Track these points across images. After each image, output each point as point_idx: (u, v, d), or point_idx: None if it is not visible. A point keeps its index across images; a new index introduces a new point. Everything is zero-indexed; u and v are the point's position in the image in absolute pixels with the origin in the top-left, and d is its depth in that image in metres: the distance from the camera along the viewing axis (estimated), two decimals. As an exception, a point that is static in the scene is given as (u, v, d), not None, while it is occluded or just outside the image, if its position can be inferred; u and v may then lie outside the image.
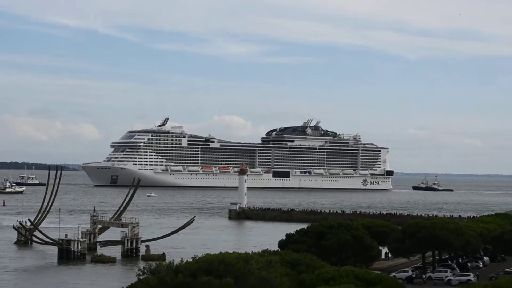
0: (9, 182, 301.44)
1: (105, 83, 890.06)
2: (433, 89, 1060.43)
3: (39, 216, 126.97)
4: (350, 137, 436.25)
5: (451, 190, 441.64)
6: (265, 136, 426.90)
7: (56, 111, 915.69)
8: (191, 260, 54.04)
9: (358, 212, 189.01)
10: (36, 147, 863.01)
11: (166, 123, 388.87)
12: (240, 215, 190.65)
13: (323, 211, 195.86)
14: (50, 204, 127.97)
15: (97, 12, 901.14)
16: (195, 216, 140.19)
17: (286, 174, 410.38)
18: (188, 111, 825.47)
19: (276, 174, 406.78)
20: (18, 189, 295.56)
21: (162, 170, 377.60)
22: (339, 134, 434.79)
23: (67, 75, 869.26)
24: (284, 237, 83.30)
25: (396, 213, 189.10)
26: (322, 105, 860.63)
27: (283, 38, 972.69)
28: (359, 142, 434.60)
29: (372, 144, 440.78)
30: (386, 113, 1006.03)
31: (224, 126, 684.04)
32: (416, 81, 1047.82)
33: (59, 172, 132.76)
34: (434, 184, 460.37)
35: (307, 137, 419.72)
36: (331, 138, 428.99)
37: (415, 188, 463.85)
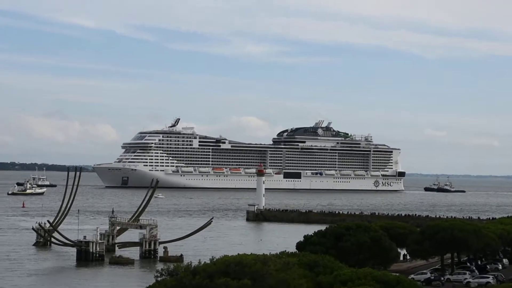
0: (29, 184, 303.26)
1: (122, 83, 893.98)
2: (450, 89, 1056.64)
3: (58, 217, 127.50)
4: (361, 138, 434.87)
5: (463, 191, 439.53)
6: (276, 137, 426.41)
7: (73, 112, 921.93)
8: (208, 261, 54.07)
9: (376, 214, 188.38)
10: (54, 148, 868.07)
11: (177, 124, 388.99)
12: (258, 216, 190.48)
13: (341, 212, 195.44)
14: (69, 205, 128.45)
15: (114, 13, 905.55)
16: (212, 218, 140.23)
17: (297, 175, 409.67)
18: (204, 112, 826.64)
19: (287, 175, 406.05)
20: (38, 190, 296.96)
21: (173, 171, 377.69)
22: (351, 135, 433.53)
23: (85, 76, 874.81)
24: (302, 239, 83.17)
25: (415, 215, 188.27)
26: (336, 106, 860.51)
27: (299, 38, 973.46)
28: (371, 143, 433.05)
29: (384, 145, 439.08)
30: (402, 114, 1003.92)
31: (241, 127, 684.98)
32: (433, 81, 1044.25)
33: (77, 173, 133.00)
34: (446, 185, 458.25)
35: (319, 138, 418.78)
36: (343, 139, 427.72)
37: (427, 189, 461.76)
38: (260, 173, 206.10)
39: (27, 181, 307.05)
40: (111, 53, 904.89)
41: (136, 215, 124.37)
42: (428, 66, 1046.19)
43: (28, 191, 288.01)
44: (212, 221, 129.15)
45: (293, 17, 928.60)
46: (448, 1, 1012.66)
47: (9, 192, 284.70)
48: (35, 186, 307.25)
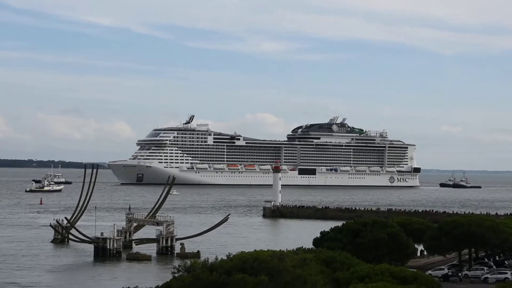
0: (47, 181, 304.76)
1: (138, 81, 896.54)
2: (466, 85, 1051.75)
3: (76, 214, 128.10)
4: (376, 134, 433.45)
5: (479, 187, 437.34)
6: (291, 133, 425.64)
7: (89, 110, 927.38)
8: (225, 258, 54.13)
9: (393, 209, 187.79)
10: (71, 146, 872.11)
11: (192, 121, 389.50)
12: (275, 213, 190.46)
13: (357, 208, 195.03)
14: (86, 202, 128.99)
15: (129, 11, 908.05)
16: (229, 214, 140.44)
17: (312, 172, 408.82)
18: (220, 108, 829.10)
19: (302, 172, 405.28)
20: (56, 187, 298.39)
21: (187, 168, 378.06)
22: (366, 131, 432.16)
23: (100, 73, 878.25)
24: (318, 235, 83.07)
25: (432, 211, 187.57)
26: (352, 102, 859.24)
27: (315, 35, 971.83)
28: (386, 139, 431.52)
29: (399, 141, 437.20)
30: (418, 110, 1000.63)
31: (256, 124, 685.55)
32: (449, 77, 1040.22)
33: (94, 170, 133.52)
34: (462, 181, 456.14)
35: (333, 134, 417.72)
36: (357, 135, 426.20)
37: (442, 185, 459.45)
38: (276, 170, 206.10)
39: (45, 178, 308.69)
40: (127, 50, 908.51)
41: (153, 211, 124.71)
42: (444, 62, 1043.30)
43: (46, 188, 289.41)
44: (228, 217, 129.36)
45: (308, 14, 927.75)
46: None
47: (27, 189, 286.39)
48: (53, 183, 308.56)
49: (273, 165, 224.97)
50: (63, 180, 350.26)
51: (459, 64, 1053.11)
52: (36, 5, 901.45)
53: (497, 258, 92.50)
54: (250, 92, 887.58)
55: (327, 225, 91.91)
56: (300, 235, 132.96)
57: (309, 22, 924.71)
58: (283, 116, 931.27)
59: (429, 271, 77.76)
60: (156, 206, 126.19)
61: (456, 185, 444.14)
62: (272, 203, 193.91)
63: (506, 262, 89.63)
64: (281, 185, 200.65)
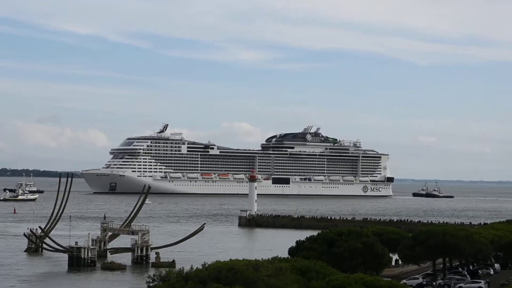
0: (21, 190, 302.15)
1: (115, 90, 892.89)
2: (442, 96, 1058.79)
3: (50, 223, 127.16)
4: (350, 143, 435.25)
5: (452, 197, 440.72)
6: (265, 142, 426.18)
7: (65, 118, 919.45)
8: (201, 267, 54.04)
9: (368, 219, 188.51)
10: (46, 154, 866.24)
11: (165, 130, 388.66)
12: (250, 222, 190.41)
13: (333, 218, 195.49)
14: (60, 211, 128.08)
15: (106, 19, 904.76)
16: (205, 223, 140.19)
17: (286, 181, 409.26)
18: (197, 118, 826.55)
19: (276, 181, 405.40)
20: (30, 196, 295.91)
21: (161, 177, 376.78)
22: (339, 141, 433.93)
23: (77, 82, 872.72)
24: (294, 244, 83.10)
25: (407, 220, 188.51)
26: (329, 112, 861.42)
27: (293, 45, 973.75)
28: (359, 148, 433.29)
29: (373, 151, 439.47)
30: (394, 120, 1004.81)
31: (232, 133, 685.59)
32: (425, 88, 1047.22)
33: (69, 179, 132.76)
34: (434, 190, 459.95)
35: (307, 143, 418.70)
36: (331, 144, 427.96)
37: (415, 194, 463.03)
38: (252, 179, 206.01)
39: (19, 187, 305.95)
40: (103, 59, 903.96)
41: (128, 221, 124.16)
42: (420, 73, 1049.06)
43: (20, 197, 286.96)
44: (204, 226, 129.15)
45: (287, 24, 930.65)
46: (442, 8, 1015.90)
47: (1, 198, 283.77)
48: (27, 192, 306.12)
49: (249, 175, 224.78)
50: (35, 189, 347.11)
51: (435, 74, 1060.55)
52: (13, 14, 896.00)
53: (471, 268, 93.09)
54: (227, 101, 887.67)
55: (303, 235, 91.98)
56: (275, 244, 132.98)
57: (287, 32, 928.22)
58: (259, 125, 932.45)
59: (404, 280, 78.13)
60: (132, 215, 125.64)
61: (428, 195, 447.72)
62: (248, 212, 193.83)
63: (480, 271, 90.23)
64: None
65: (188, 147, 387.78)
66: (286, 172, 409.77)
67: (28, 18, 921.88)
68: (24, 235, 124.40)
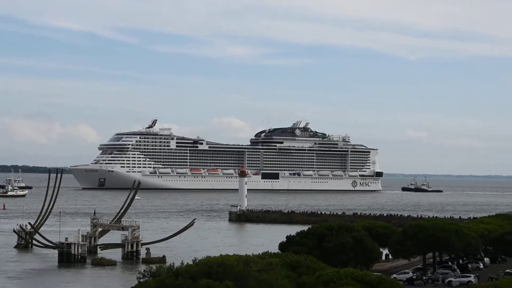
0: (11, 186, 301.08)
1: (104, 85, 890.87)
2: (431, 91, 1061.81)
3: (39, 219, 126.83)
4: (339, 138, 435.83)
5: (441, 191, 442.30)
6: (254, 137, 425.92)
7: (55, 114, 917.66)
8: (191, 262, 54.01)
9: (358, 214, 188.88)
10: (35, 150, 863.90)
11: (154, 125, 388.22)
12: (241, 217, 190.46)
13: (323, 212, 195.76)
14: (50, 207, 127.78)
15: (96, 15, 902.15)
16: (195, 219, 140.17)
17: (275, 176, 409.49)
18: (187, 113, 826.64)
19: (265, 176, 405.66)
20: (20, 192, 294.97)
21: (150, 173, 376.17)
22: (328, 135, 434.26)
23: (66, 77, 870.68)
24: (284, 239, 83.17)
25: (397, 215, 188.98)
26: (318, 107, 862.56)
27: (283, 40, 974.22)
28: (348, 143, 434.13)
29: (361, 145, 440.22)
30: (384, 115, 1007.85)
31: (222, 128, 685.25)
32: (415, 83, 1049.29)
33: (59, 175, 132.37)
34: (423, 185, 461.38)
35: (296, 138, 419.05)
36: (320, 139, 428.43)
37: (404, 189, 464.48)
38: (242, 174, 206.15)
39: (8, 183, 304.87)
40: (93, 55, 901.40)
41: (118, 216, 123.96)
42: (410, 68, 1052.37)
43: (9, 193, 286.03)
44: (194, 222, 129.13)
45: (278, 20, 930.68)
46: (432, 3, 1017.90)
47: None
48: (17, 188, 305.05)
49: (239, 170, 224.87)
50: (23, 185, 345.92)
51: (425, 69, 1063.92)
52: (2, 9, 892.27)
53: (460, 262, 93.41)
54: (216, 96, 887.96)
55: (293, 230, 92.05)
56: (266, 239, 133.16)
57: (276, 27, 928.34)
58: (248, 121, 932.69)
59: (394, 275, 78.34)
60: (121, 211, 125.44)
61: (417, 189, 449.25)
62: (238, 207, 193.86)
63: (469, 265, 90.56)
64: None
65: (177, 143, 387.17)
66: (275, 167, 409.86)
67: (17, 13, 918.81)
68: (14, 231, 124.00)
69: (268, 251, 68.67)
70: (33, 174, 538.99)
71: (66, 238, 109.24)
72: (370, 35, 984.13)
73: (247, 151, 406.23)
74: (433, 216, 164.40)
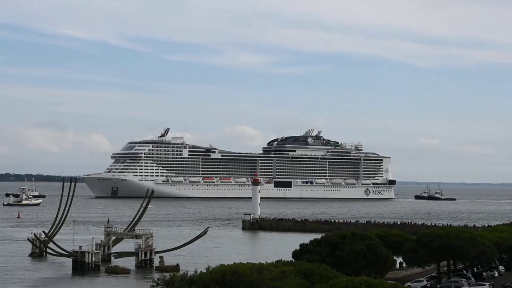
0: (25, 194, 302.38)
1: (116, 94, 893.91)
2: (444, 98, 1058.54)
3: (54, 228, 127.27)
4: (352, 146, 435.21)
5: (454, 199, 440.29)
6: (266, 146, 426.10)
7: (68, 123, 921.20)
8: (205, 271, 54.05)
9: (372, 222, 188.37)
10: (49, 159, 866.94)
11: (167, 134, 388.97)
12: (254, 225, 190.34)
13: (336, 221, 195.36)
14: (64, 216, 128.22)
15: (107, 24, 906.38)
16: (209, 227, 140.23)
17: (288, 184, 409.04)
18: (200, 121, 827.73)
19: (277, 184, 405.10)
20: (34, 201, 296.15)
21: (163, 181, 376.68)
22: (341, 144, 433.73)
23: (79, 86, 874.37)
24: (298, 247, 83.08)
25: (410, 223, 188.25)
26: (329, 114, 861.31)
27: (293, 48, 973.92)
28: (361, 151, 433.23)
29: (374, 153, 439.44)
30: (395, 122, 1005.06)
31: (235, 137, 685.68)
32: (427, 90, 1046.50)
33: (72, 184, 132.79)
34: (436, 193, 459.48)
35: (309, 146, 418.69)
36: (333, 147, 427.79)
37: (417, 197, 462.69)
38: (255, 182, 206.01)
39: (23, 192, 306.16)
40: (104, 63, 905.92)
41: (131, 225, 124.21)
42: (421, 75, 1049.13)
43: (24, 202, 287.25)
44: (208, 230, 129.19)
45: (287, 27, 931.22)
46: (442, 10, 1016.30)
47: (5, 203, 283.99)
48: (31, 197, 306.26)
49: (252, 178, 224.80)
50: (37, 193, 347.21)
51: (436, 76, 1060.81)
52: (13, 19, 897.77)
53: (475, 270, 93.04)
54: (228, 105, 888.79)
55: (306, 238, 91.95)
56: (279, 247, 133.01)
57: (287, 35, 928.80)
58: (261, 129, 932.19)
59: (408, 283, 78.14)
60: (135, 219, 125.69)
61: (430, 197, 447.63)
62: (251, 215, 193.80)
63: (484, 273, 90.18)
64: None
65: (189, 151, 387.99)
66: (288, 175, 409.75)
67: (29, 23, 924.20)
68: (28, 239, 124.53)
69: (281, 259, 68.57)
70: (46, 183, 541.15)
71: (80, 247, 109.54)
72: (381, 42, 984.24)
73: (260, 160, 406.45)
74: (446, 224, 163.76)
